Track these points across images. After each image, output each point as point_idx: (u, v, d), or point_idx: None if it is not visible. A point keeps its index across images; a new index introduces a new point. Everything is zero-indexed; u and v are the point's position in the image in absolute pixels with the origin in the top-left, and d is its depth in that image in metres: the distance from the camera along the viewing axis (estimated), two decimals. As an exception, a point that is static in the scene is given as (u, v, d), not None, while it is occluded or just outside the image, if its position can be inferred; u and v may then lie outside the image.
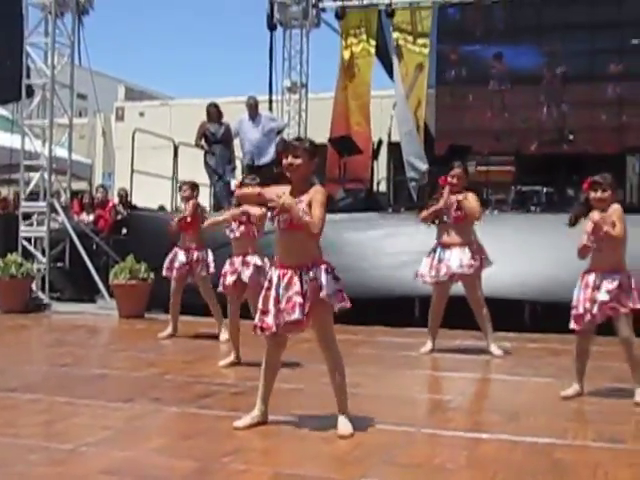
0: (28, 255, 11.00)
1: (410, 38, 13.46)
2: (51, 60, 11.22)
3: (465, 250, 6.76)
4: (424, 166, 11.86)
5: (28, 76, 11.52)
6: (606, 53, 13.32)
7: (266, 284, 4.25)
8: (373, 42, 13.74)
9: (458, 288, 6.95)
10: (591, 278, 4.95)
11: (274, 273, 4.21)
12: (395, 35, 13.43)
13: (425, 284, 7.05)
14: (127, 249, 10.18)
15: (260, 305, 4.23)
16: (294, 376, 5.64)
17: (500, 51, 14.00)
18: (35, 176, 11.35)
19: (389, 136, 12.60)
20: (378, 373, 6.10)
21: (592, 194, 4.96)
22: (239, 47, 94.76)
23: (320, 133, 13.68)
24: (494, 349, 6.81)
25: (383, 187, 14.18)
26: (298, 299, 4.07)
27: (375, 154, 12.78)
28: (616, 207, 4.93)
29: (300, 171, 4.19)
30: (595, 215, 4.85)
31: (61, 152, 11.80)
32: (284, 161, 4.20)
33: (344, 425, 4.14)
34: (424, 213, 6.97)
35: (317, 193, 4.16)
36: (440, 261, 6.81)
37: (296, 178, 4.20)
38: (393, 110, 12.98)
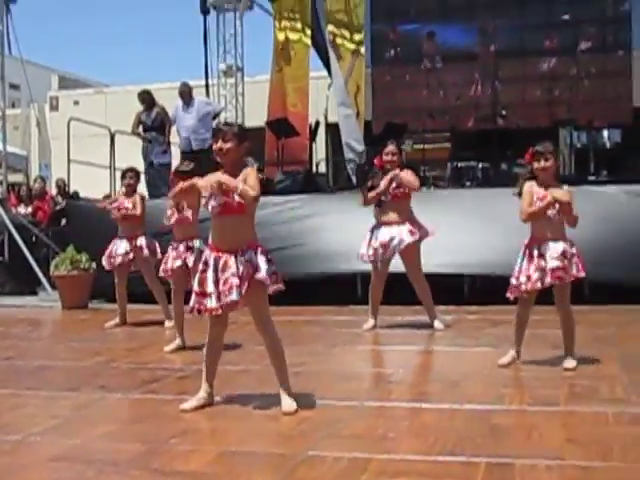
0: (-34, 250, 10.86)
1: (347, 34, 13.51)
2: (-20, 51, 11.04)
3: (402, 227, 6.87)
4: (360, 147, 11.96)
5: (-43, 68, 11.32)
6: (537, 29, 13.56)
7: (201, 267, 4.30)
8: (309, 32, 13.73)
9: (396, 265, 7.08)
10: (535, 247, 5.08)
11: (210, 256, 4.27)
12: (330, 28, 13.40)
13: (365, 262, 7.15)
14: (67, 240, 10.11)
15: (196, 287, 4.28)
16: (238, 358, 5.72)
17: (433, 30, 14.15)
18: (-31, 170, 11.19)
19: (326, 117, 12.68)
20: (322, 351, 6.20)
21: (535, 164, 5.07)
22: (173, 32, 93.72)
23: (257, 116, 13.73)
24: (437, 323, 6.97)
25: (322, 168, 14.27)
26: (235, 280, 4.13)
27: (313, 135, 12.86)
28: (567, 189, 5.05)
29: (230, 155, 4.23)
30: (565, 196, 4.99)
31: (-5, 144, 11.64)
32: (214, 146, 4.26)
33: (288, 403, 4.23)
34: (367, 196, 6.96)
35: (250, 172, 4.23)
36: (377, 239, 6.91)
37: (227, 162, 4.26)
38: (328, 91, 13.05)
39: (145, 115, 11.73)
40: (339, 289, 8.78)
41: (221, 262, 4.19)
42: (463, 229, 8.62)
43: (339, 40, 13.41)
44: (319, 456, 3.45)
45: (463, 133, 12.93)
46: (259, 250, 4.22)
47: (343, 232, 8.78)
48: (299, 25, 13.75)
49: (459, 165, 12.03)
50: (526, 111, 12.88)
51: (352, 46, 13.49)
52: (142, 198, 7.93)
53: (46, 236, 11.33)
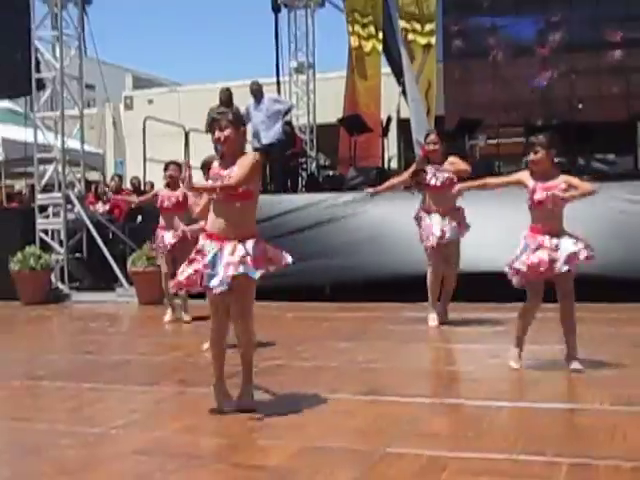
0: (46, 247, 11.11)
1: (418, 27, 13.41)
2: (60, 52, 11.29)
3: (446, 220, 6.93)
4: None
5: (38, 70, 11.60)
6: (610, 21, 13.26)
7: (193, 255, 4.16)
8: (380, 33, 13.68)
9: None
10: (546, 240, 4.88)
11: (208, 243, 4.12)
12: (402, 24, 13.31)
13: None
14: (143, 236, 10.28)
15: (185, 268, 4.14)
16: (313, 354, 5.73)
17: (505, 22, 13.96)
18: (49, 168, 11.46)
19: (398, 113, 12.62)
20: (395, 348, 6.18)
21: (528, 157, 4.89)
22: (246, 30, 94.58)
23: (329, 113, 13.74)
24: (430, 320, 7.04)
25: (394, 164, 14.20)
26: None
27: (384, 131, 12.81)
28: (565, 178, 4.85)
29: (229, 142, 4.21)
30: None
31: (73, 143, 11.89)
32: (213, 137, 4.24)
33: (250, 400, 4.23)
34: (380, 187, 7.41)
35: (244, 158, 4.20)
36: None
37: (227, 149, 4.24)
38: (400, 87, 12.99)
39: (220, 113, 11.84)
40: (410, 288, 8.71)
41: (225, 251, 4.04)
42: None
43: (411, 36, 13.31)
44: (397, 453, 3.44)
45: (537, 128, 12.70)
46: (252, 241, 4.10)
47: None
48: (370, 24, 13.72)
49: (534, 160, 11.82)
50: (602, 104, 12.61)
51: (424, 40, 13.38)
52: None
53: (122, 233, 11.54)
